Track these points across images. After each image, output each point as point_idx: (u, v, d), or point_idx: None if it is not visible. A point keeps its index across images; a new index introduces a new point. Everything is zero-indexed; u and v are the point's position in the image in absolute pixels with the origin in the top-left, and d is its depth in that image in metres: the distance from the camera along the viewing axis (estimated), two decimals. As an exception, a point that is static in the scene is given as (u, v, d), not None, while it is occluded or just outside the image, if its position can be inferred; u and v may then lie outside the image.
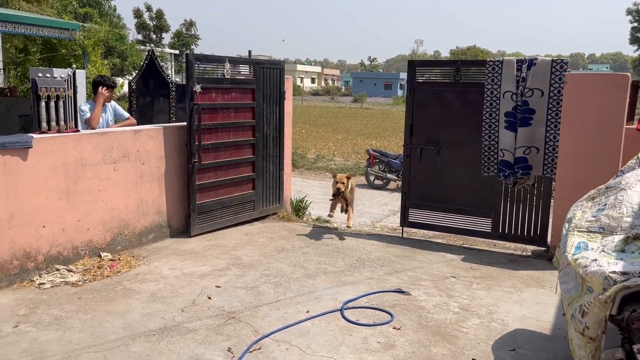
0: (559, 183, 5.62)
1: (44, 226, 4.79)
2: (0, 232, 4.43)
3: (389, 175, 12.00)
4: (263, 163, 6.92)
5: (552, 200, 5.80)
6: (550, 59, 5.58)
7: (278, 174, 7.20)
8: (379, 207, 9.97)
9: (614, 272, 2.59)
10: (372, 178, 12.32)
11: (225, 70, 6.30)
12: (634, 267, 2.57)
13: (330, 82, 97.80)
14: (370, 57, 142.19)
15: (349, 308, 4.31)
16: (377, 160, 12.24)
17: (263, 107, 6.80)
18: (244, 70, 6.63)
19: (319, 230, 6.71)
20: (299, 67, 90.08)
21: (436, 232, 6.57)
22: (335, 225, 7.46)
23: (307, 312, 4.20)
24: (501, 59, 5.79)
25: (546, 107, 5.56)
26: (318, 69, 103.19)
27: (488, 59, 5.87)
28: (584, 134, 5.42)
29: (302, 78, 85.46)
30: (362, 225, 7.77)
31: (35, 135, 4.77)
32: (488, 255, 5.88)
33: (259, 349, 3.60)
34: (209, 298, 4.43)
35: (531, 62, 5.59)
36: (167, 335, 3.76)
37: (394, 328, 3.97)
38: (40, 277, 4.70)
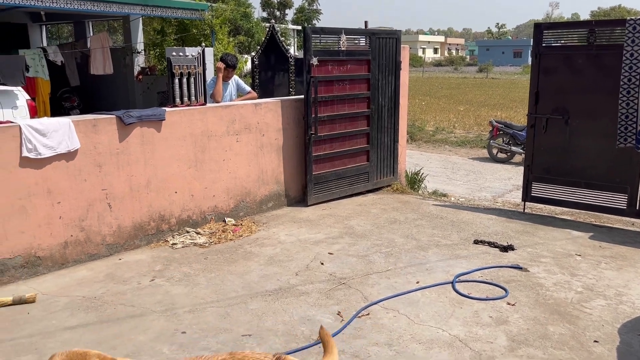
0: None
1: (176, 192, 5.26)
2: (139, 196, 4.96)
3: (513, 148, 11.34)
4: (378, 135, 6.91)
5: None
6: None
7: (393, 145, 7.15)
8: (501, 181, 9.51)
9: None
10: (494, 151, 11.74)
11: (341, 42, 6.34)
12: None
13: (454, 51, 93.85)
14: (498, 23, 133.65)
15: (461, 281, 4.22)
16: (501, 132, 11.62)
17: (378, 78, 6.76)
18: (360, 41, 6.62)
19: (434, 204, 6.59)
20: (421, 38, 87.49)
21: (562, 209, 6.13)
22: (452, 199, 7.27)
23: (417, 282, 4.19)
24: (645, 15, 5.14)
25: (700, 69, 4.87)
26: (441, 38, 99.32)
27: (628, 18, 5.27)
28: None
29: (424, 49, 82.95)
30: (481, 200, 7.49)
31: (167, 109, 5.21)
32: (621, 233, 5.37)
33: (368, 314, 3.68)
34: (322, 264, 4.59)
35: (682, 18, 4.91)
36: (281, 296, 3.98)
37: (508, 304, 3.82)
38: (173, 237, 5.20)
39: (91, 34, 13.22)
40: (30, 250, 4.26)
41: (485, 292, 4.03)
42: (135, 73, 12.19)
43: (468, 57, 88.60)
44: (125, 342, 3.33)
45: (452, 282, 4.16)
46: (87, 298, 3.94)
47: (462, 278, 4.26)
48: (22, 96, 8.06)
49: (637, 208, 5.52)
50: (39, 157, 4.16)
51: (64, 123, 4.34)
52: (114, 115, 4.72)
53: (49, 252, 4.38)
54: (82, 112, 10.17)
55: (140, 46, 12.36)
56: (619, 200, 5.61)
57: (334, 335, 3.37)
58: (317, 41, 6.20)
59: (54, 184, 4.34)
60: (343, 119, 6.54)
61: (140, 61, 12.51)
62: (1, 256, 4.11)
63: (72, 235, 4.50)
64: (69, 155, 4.40)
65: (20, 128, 4.10)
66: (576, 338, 3.35)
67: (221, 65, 6.31)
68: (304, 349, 3.25)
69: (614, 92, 5.34)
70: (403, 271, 4.42)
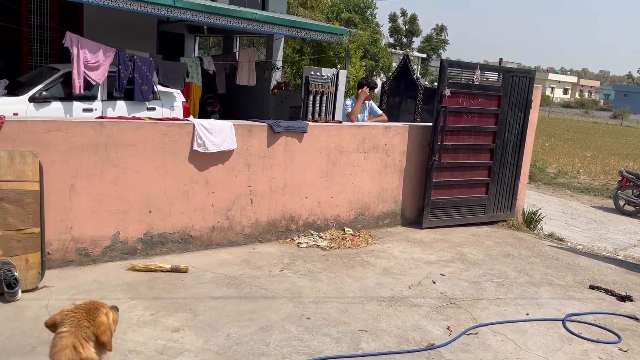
0: None
1: (307, 197, 5.83)
2: (276, 197, 5.59)
3: (643, 202, 10.71)
4: (499, 169, 7.04)
5: None
6: None
7: (513, 181, 7.23)
8: (625, 234, 9.06)
9: None
10: (622, 202, 11.14)
11: (475, 77, 6.61)
12: None
13: (586, 94, 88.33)
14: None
15: (572, 321, 4.29)
16: (631, 183, 11.01)
17: (507, 114, 6.91)
18: (492, 77, 6.84)
19: (550, 244, 6.57)
20: (551, 76, 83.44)
21: (692, 269, 5.85)
22: (569, 244, 7.17)
23: (527, 314, 4.33)
24: None
25: None
26: (573, 78, 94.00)
27: None
28: None
29: (552, 88, 79.08)
30: (601, 249, 7.28)
31: (309, 123, 5.82)
32: None
33: (476, 333, 3.92)
34: (434, 282, 4.87)
35: None
36: (394, 304, 4.33)
37: (620, 349, 3.85)
38: (299, 237, 5.76)
39: (237, 48, 14.60)
40: (185, 229, 5.03)
41: (597, 335, 4.07)
42: (272, 87, 13.26)
43: (602, 101, 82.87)
44: (259, 317, 3.87)
45: (563, 320, 4.25)
46: (228, 276, 4.58)
47: (573, 318, 4.33)
48: (179, 98, 9.25)
49: None
50: (206, 151, 4.92)
51: (227, 125, 5.09)
52: (266, 124, 5.41)
53: (199, 233, 5.12)
54: (221, 117, 11.31)
55: (279, 63, 13.43)
56: None
57: (442, 345, 3.66)
58: (451, 74, 6.52)
59: (212, 176, 5.08)
60: (467, 150, 6.78)
61: (277, 76, 13.58)
62: (164, 230, 4.91)
63: (219, 222, 5.22)
64: (227, 154, 5.13)
65: (194, 126, 4.89)
66: (690, 393, 3.34)
67: (367, 90, 6.79)
68: (415, 351, 3.57)
69: None
70: (513, 302, 4.57)
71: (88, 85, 7.95)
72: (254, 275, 4.66)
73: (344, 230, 6.17)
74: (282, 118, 11.63)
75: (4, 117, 4.10)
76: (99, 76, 7.95)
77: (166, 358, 3.24)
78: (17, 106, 7.27)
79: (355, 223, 6.33)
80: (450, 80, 6.47)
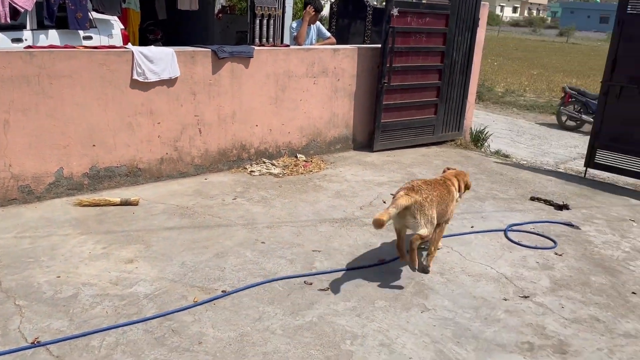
0: None
1: (257, 125, 5.76)
2: (225, 125, 5.49)
3: (584, 117, 11.15)
4: (448, 89, 7.11)
5: None
6: None
7: (461, 101, 7.34)
8: (567, 148, 9.49)
9: None
10: (564, 118, 11.57)
11: (422, -5, 6.50)
12: None
13: (534, 12, 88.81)
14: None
15: (514, 230, 4.54)
16: (574, 99, 11.39)
17: (455, 34, 6.90)
18: (441, -5, 6.74)
19: (495, 161, 6.81)
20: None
21: (625, 179, 6.23)
22: (514, 159, 7.45)
23: (472, 227, 4.55)
24: None
25: None
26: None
27: None
28: None
29: (502, 7, 79.00)
30: (543, 164, 7.61)
31: (255, 47, 5.64)
32: (681, 207, 5.47)
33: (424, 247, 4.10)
34: (384, 202, 5.01)
35: None
36: (346, 224, 4.45)
37: (556, 254, 4.13)
38: (251, 166, 5.75)
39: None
40: (133, 162, 4.91)
41: (535, 242, 4.34)
42: (216, 11, 12.67)
43: (549, 19, 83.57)
44: (214, 244, 3.92)
45: (504, 230, 4.50)
46: (181, 207, 4.56)
47: (514, 228, 4.58)
48: (117, 25, 8.72)
49: (702, 184, 5.57)
50: (146, 80, 4.73)
51: (168, 52, 4.87)
52: (209, 49, 5.21)
53: (148, 166, 5.02)
54: (164, 45, 10.80)
55: (222, -15, 12.77)
56: (684, 174, 5.66)
57: (393, 260, 3.82)
58: (399, -8, 6.38)
59: (156, 106, 4.92)
60: (416, 71, 6.78)
61: (221, 0, 12.96)
62: (110, 163, 4.78)
63: (167, 153, 5.12)
64: (170, 82, 4.95)
65: (132, 53, 4.66)
66: (615, 288, 3.65)
67: (311, 10, 6.58)
68: (365, 267, 3.72)
69: (696, 65, 5.31)
70: (459, 216, 4.78)
71: (15, 13, 7.35)
72: (206, 204, 4.66)
73: (296, 156, 6.18)
74: (229, 44, 11.22)
75: None
76: (26, 3, 7.35)
77: (121, 288, 3.26)
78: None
79: (308, 149, 6.35)
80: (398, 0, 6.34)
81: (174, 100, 5.03)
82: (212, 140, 5.42)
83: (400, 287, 3.49)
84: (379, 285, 3.49)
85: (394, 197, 3.36)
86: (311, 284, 3.46)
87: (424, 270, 3.54)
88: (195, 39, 11.67)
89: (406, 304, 3.30)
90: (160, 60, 4.78)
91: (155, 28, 12.76)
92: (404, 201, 3.25)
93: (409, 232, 3.47)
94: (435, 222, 3.39)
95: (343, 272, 3.65)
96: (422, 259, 3.67)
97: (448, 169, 4.00)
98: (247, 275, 3.51)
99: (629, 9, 5.85)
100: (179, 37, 12.48)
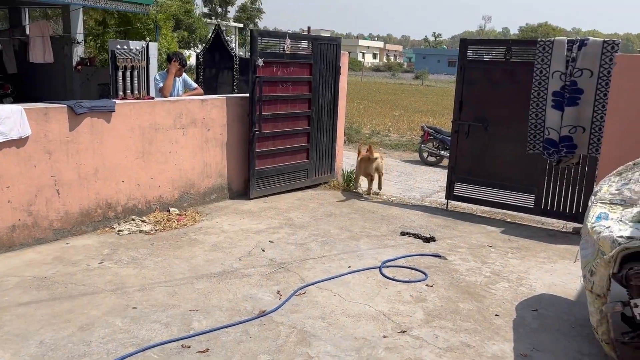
0: (602, 162, 5.72)
1: (123, 181, 5.47)
2: (87, 184, 5.13)
3: (442, 152, 12.13)
4: (317, 134, 7.36)
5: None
6: (602, 40, 5.65)
7: (331, 145, 7.63)
8: (430, 182, 10.20)
9: (620, 236, 2.86)
10: (425, 155, 12.50)
11: (285, 46, 6.74)
12: (639, 233, 2.83)
13: (392, 58, 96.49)
14: (434, 33, 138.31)
15: (388, 266, 4.73)
16: (432, 137, 12.38)
17: (319, 81, 7.21)
18: (303, 45, 7.05)
19: (367, 200, 7.12)
20: (361, 42, 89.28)
21: (481, 207, 6.83)
22: (384, 197, 7.84)
23: (349, 267, 4.66)
24: (552, 39, 5.91)
25: (595, 87, 5.66)
26: (380, 44, 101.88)
27: (539, 39, 6.00)
28: (631, 114, 5.49)
29: (363, 53, 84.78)
30: (410, 199, 8.09)
31: (117, 101, 5.41)
32: (528, 229, 6.10)
33: (304, 293, 4.10)
34: (263, 250, 4.97)
35: (582, 43, 5.68)
36: (225, 278, 4.32)
37: (427, 285, 4.36)
38: (119, 225, 5.40)
39: (27, 21, 12.88)
40: (-22, 233, 4.37)
41: (408, 276, 4.55)
42: (74, 63, 12.03)
43: (405, 63, 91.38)
44: (78, 316, 3.57)
45: (379, 267, 4.66)
46: (38, 278, 4.12)
47: (388, 264, 4.77)
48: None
49: (542, 207, 6.28)
50: (-8, 141, 4.28)
51: (16, 110, 4.48)
52: (65, 105, 4.88)
53: (-3, 235, 4.50)
54: (16, 101, 9.99)
55: (80, 37, 12.20)
56: (528, 200, 6.36)
57: (274, 310, 3.77)
58: (263, 43, 6.56)
59: (4, 169, 4.46)
60: (285, 118, 6.94)
61: (79, 51, 12.34)
62: (-51, 237, 4.20)
63: (20, 220, 4.63)
64: (20, 142, 4.53)
65: (-28, 113, 4.21)
66: (481, 312, 3.93)
67: (177, 64, 6.52)
68: (246, 321, 3.62)
69: (526, 104, 6.07)
70: (337, 257, 4.88)
71: None
72: (68, 272, 4.27)
73: (169, 211, 5.94)
74: (91, 97, 10.68)
75: None
76: None
77: (-36, 383, 2.83)
78: None
79: (181, 202, 6.14)
80: (262, 50, 6.50)
81: (26, 161, 4.61)
82: (73, 201, 5.02)
83: (284, 338, 3.43)
84: (261, 339, 3.40)
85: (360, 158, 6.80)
86: (189, 347, 3.28)
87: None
88: (54, 93, 10.95)
89: (290, 355, 3.24)
90: (6, 119, 4.38)
91: (4, 82, 11.78)
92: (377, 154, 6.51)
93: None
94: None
95: (223, 329, 3.50)
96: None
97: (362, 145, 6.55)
98: (117, 347, 3.23)
99: (469, 55, 6.56)
100: (34, 92, 11.63)
